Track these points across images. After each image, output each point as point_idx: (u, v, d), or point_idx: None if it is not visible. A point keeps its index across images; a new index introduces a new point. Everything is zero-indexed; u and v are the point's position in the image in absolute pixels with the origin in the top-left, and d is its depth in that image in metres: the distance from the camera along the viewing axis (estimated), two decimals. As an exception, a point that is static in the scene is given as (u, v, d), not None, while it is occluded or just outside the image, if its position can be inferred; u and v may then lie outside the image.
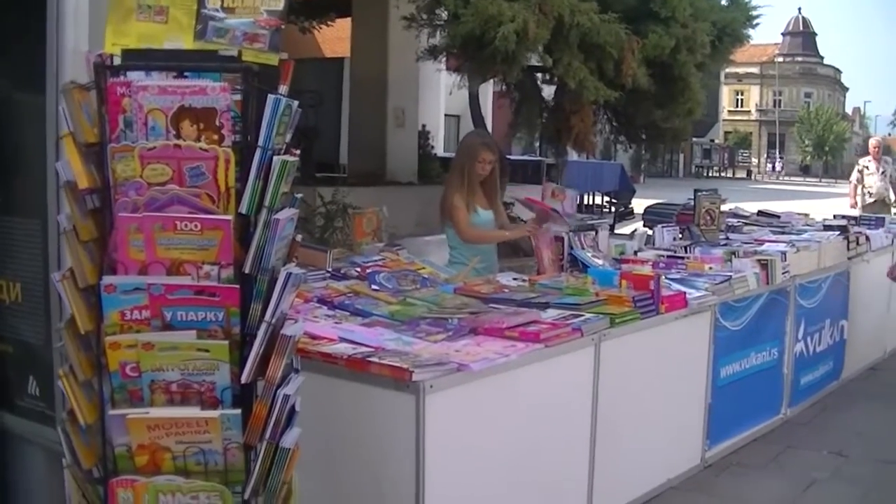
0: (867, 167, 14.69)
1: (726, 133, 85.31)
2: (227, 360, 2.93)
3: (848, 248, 7.91)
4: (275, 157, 2.96)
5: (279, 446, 3.01)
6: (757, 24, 12.54)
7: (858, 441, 6.66)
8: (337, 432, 3.99)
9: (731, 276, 6.17)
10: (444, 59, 11.52)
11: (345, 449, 3.98)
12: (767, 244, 7.42)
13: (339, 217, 10.12)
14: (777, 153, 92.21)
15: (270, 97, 2.96)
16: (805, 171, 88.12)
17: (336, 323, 4.70)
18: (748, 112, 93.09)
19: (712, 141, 78.93)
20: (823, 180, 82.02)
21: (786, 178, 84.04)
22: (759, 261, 6.57)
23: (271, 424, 2.97)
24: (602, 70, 9.90)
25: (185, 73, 2.95)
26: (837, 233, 8.02)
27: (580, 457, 4.88)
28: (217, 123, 2.92)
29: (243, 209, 2.93)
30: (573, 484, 4.88)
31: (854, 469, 6.12)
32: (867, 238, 8.39)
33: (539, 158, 20.11)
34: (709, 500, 5.55)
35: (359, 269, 5.85)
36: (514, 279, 6.02)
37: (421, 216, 11.54)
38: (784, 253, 6.85)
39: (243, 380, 2.95)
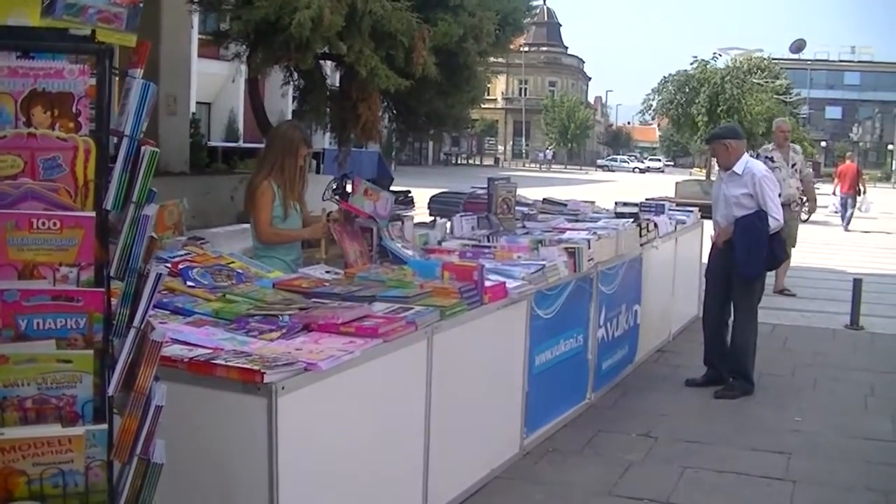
0: (771, 158, 11.34)
1: (473, 121, 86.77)
2: (90, 371, 2.68)
3: (640, 235, 8.14)
4: (143, 147, 2.70)
5: (151, 462, 2.77)
6: (536, 14, 12.81)
7: (662, 422, 6.88)
8: (180, 441, 3.69)
9: (544, 264, 6.21)
10: (228, 45, 11.13)
11: (190, 458, 3.70)
12: (569, 232, 7.54)
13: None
14: (523, 140, 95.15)
15: (138, 81, 2.71)
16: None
17: (161, 323, 4.40)
18: (494, 100, 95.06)
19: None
20: (569, 167, 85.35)
21: (531, 164, 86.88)
22: (566, 249, 6.65)
23: (142, 438, 2.73)
24: (392, 58, 9.82)
25: (31, 54, 2.66)
26: (631, 220, 8.24)
27: (416, 452, 4.81)
28: (73, 110, 2.66)
29: (108, 205, 2.67)
30: (411, 480, 4.80)
31: (664, 450, 6.31)
32: (655, 225, 8.67)
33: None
34: (535, 488, 5.56)
35: (169, 265, 5.52)
36: (328, 272, 5.85)
37: (197, 207, 11.08)
38: (589, 241, 6.96)
39: (110, 392, 2.70)
